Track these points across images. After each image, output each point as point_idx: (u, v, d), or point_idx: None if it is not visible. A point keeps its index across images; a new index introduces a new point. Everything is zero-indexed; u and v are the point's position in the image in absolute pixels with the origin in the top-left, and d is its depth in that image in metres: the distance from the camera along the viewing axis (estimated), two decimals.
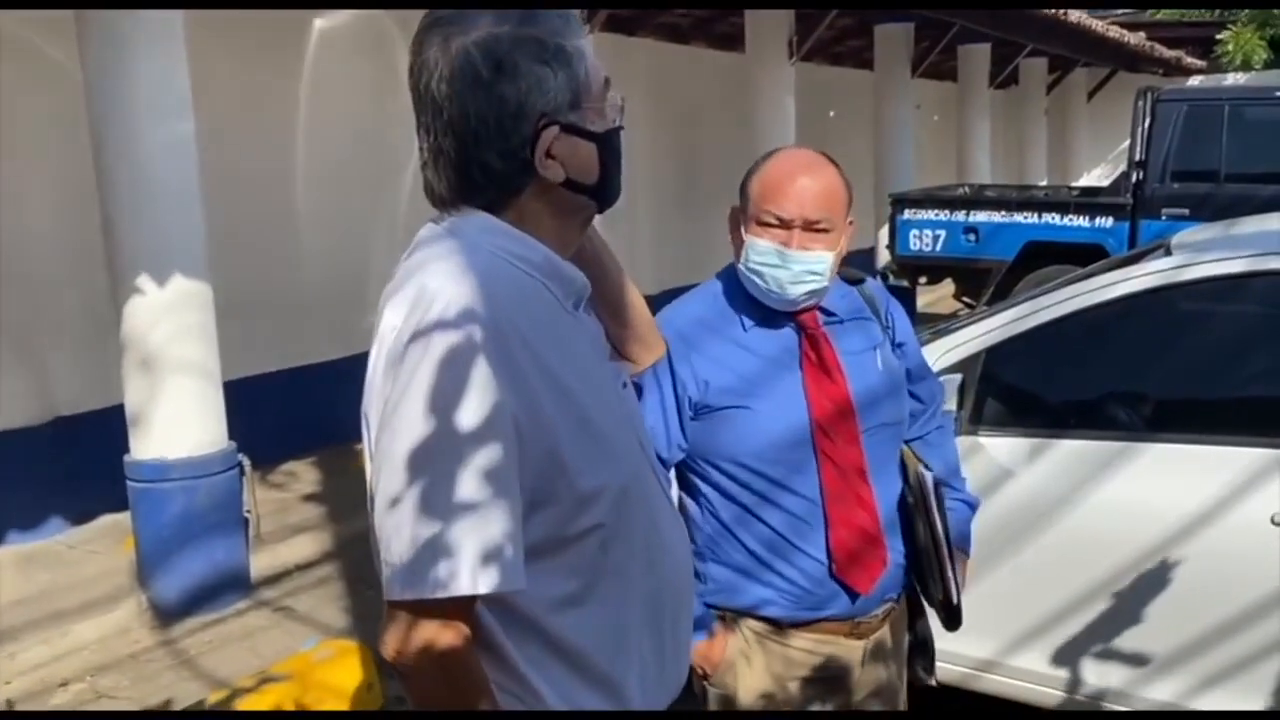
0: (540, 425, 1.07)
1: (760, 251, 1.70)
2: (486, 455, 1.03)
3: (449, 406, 1.03)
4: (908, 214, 8.52)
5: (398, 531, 1.04)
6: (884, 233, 9.15)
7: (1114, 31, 11.98)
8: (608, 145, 1.19)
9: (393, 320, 1.07)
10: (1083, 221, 7.96)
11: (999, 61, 12.59)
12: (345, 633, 3.90)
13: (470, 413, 1.03)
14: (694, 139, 9.55)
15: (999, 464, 2.73)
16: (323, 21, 6.35)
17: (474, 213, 1.15)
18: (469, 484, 1.02)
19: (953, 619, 1.81)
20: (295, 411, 5.81)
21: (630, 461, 1.20)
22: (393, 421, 1.05)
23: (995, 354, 2.80)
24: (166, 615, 4.05)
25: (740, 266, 1.74)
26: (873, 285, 1.92)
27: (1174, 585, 2.53)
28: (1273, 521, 2.42)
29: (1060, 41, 11.40)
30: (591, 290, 1.25)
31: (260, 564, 4.40)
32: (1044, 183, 14.34)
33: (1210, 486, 2.51)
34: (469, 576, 1.02)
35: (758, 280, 1.72)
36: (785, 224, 1.69)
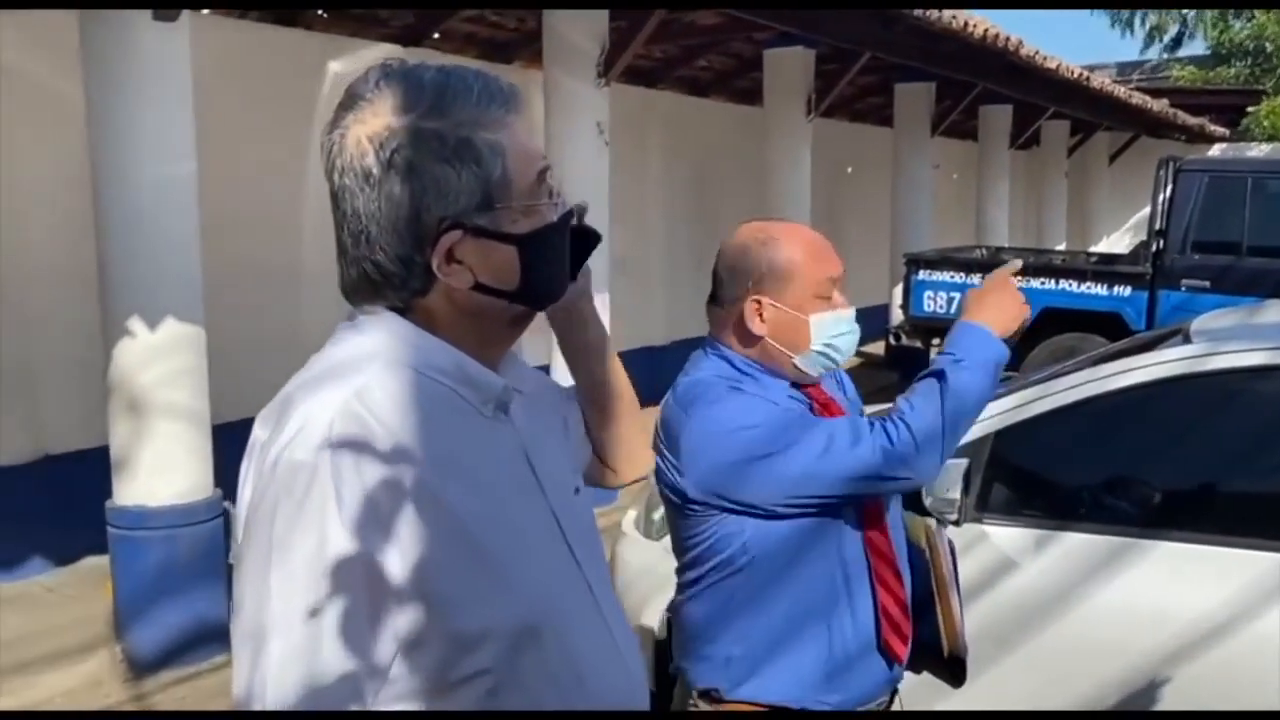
0: (411, 563, 0.95)
1: (841, 323, 1.68)
2: (323, 601, 0.93)
3: (290, 550, 0.93)
4: (923, 274, 8.42)
5: (235, 653, 0.96)
6: (898, 292, 9.05)
7: (1137, 98, 11.94)
8: (534, 246, 1.04)
9: (261, 435, 0.99)
10: (1100, 290, 7.84)
11: (1020, 123, 12.55)
12: None
13: (313, 562, 0.92)
14: (710, 191, 9.52)
15: (1003, 554, 2.61)
16: (338, 65, 6.35)
17: (380, 313, 1.05)
18: (301, 630, 0.92)
19: (958, 674, 1.75)
20: None
21: (541, 595, 1.03)
22: (243, 547, 0.97)
23: (1004, 438, 2.69)
24: (141, 668, 3.93)
25: (814, 350, 1.66)
26: None
27: (1182, 695, 2.39)
28: None
29: (1082, 105, 11.35)
30: (581, 385, 1.17)
31: None
32: (1063, 246, 14.25)
33: (1223, 591, 2.38)
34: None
35: (834, 355, 1.68)
36: (835, 283, 1.67)
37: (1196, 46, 20.16)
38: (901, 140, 10.29)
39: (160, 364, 3.90)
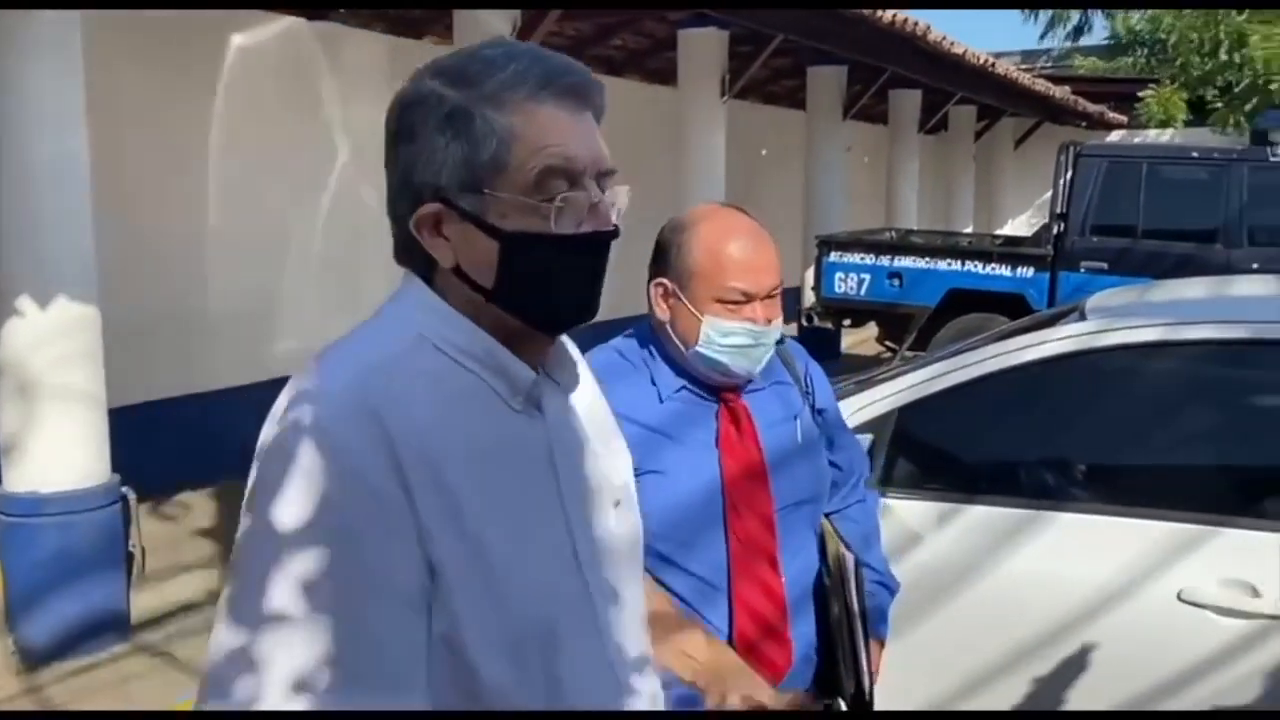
0: (396, 544, 0.91)
1: (729, 333, 1.56)
2: (317, 569, 0.88)
3: (289, 521, 0.88)
4: (834, 256, 8.55)
5: (213, 636, 0.91)
6: (810, 274, 9.17)
7: (1040, 84, 12.26)
8: (518, 249, 0.96)
9: (283, 400, 0.95)
10: (1004, 271, 8.05)
11: (929, 107, 12.80)
12: None
13: (299, 530, 0.88)
14: (624, 171, 9.42)
15: (908, 527, 2.66)
16: (241, 38, 6.16)
17: (415, 284, 1.02)
18: (295, 598, 0.87)
19: (861, 711, 1.70)
20: (195, 439, 5.56)
21: (537, 608, 0.97)
22: (242, 516, 0.93)
23: (907, 414, 2.73)
24: (34, 660, 3.79)
25: (699, 350, 1.59)
26: (792, 346, 1.83)
27: (1081, 661, 2.47)
28: (1179, 599, 2.38)
29: (987, 91, 11.61)
30: None
31: (142, 605, 4.16)
32: (970, 228, 14.60)
33: (1119, 559, 2.46)
34: (279, 696, 0.87)
35: (724, 361, 1.58)
36: (750, 297, 1.57)
37: (1099, 36, 20.76)
38: (814, 123, 10.41)
39: (53, 345, 3.76)
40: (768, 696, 1.50)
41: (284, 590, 0.88)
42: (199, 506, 5.49)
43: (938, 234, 10.92)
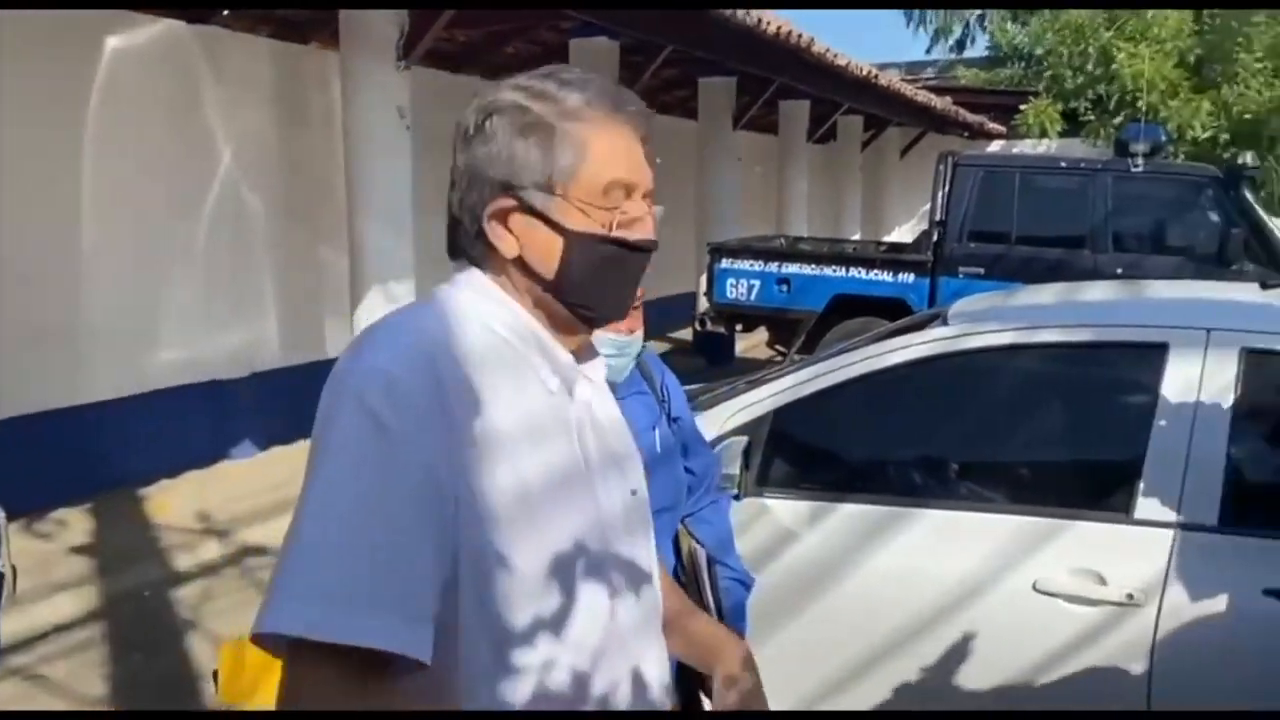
0: (431, 486, 1.00)
1: (604, 344, 1.59)
2: (375, 504, 0.98)
3: (341, 455, 0.99)
4: (725, 263, 8.70)
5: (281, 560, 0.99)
6: (704, 280, 9.30)
7: (921, 96, 12.66)
8: (579, 246, 1.09)
9: (346, 353, 1.07)
10: (887, 276, 8.31)
11: (818, 118, 13.10)
12: (103, 702, 3.58)
13: (366, 466, 0.98)
14: None
15: (783, 526, 2.75)
16: (117, 40, 5.98)
17: (468, 269, 1.14)
18: (363, 528, 0.97)
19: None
20: (70, 454, 5.37)
21: (564, 554, 1.07)
22: (310, 452, 1.04)
23: (782, 416, 2.83)
24: None
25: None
26: (649, 357, 1.88)
27: (945, 651, 2.58)
28: (1034, 589, 2.52)
29: (873, 101, 11.95)
30: None
31: (11, 626, 3.99)
32: (858, 235, 14.97)
33: (978, 553, 2.59)
34: (340, 623, 0.94)
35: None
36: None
37: (981, 49, 21.52)
38: (706, 133, 10.56)
39: None
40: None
41: (338, 495, 0.98)
42: (74, 523, 5.30)
43: (825, 241, 11.19)
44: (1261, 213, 7.92)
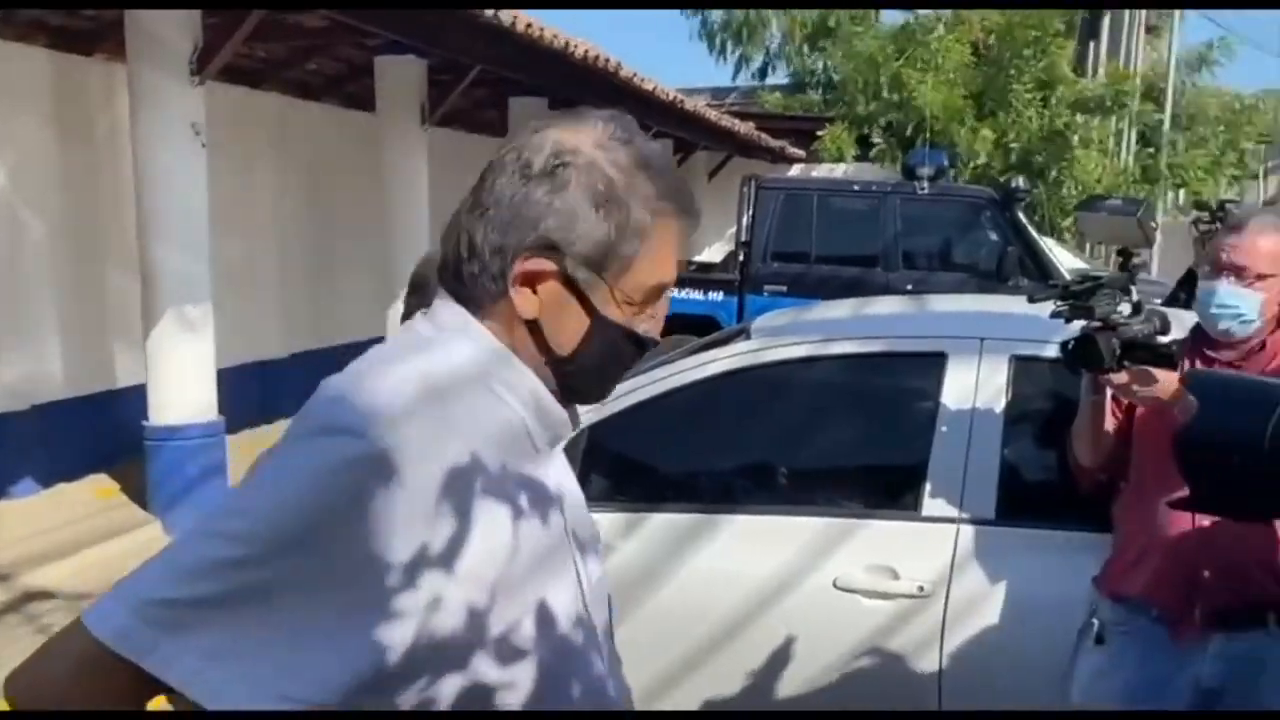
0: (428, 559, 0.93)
1: None
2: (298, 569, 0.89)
3: (297, 507, 0.90)
4: None
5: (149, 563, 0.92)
6: None
7: (725, 121, 13.11)
8: (605, 335, 1.02)
9: (324, 394, 0.97)
10: (698, 295, 8.57)
11: None
12: None
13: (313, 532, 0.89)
14: (325, 198, 9.24)
15: (601, 538, 2.80)
16: None
17: (459, 311, 1.03)
18: (276, 598, 0.89)
19: None
20: None
21: (557, 636, 1.02)
22: (256, 476, 0.95)
23: (598, 430, 2.88)
24: None
25: None
26: None
27: (755, 650, 2.70)
28: (834, 586, 2.66)
29: (681, 126, 12.27)
30: None
31: None
32: None
33: (785, 553, 2.71)
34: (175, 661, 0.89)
35: None
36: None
37: (782, 75, 22.46)
38: None
39: None
40: None
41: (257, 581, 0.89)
42: None
43: None
44: (1033, 232, 8.62)
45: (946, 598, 2.59)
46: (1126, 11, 18.30)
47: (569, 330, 1.03)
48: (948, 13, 16.14)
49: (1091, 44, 17.57)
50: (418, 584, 0.91)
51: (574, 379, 1.05)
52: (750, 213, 8.55)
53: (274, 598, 0.89)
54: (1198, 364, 2.36)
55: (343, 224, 9.27)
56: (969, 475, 2.67)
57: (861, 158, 15.72)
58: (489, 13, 5.98)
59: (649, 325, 1.06)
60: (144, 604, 0.89)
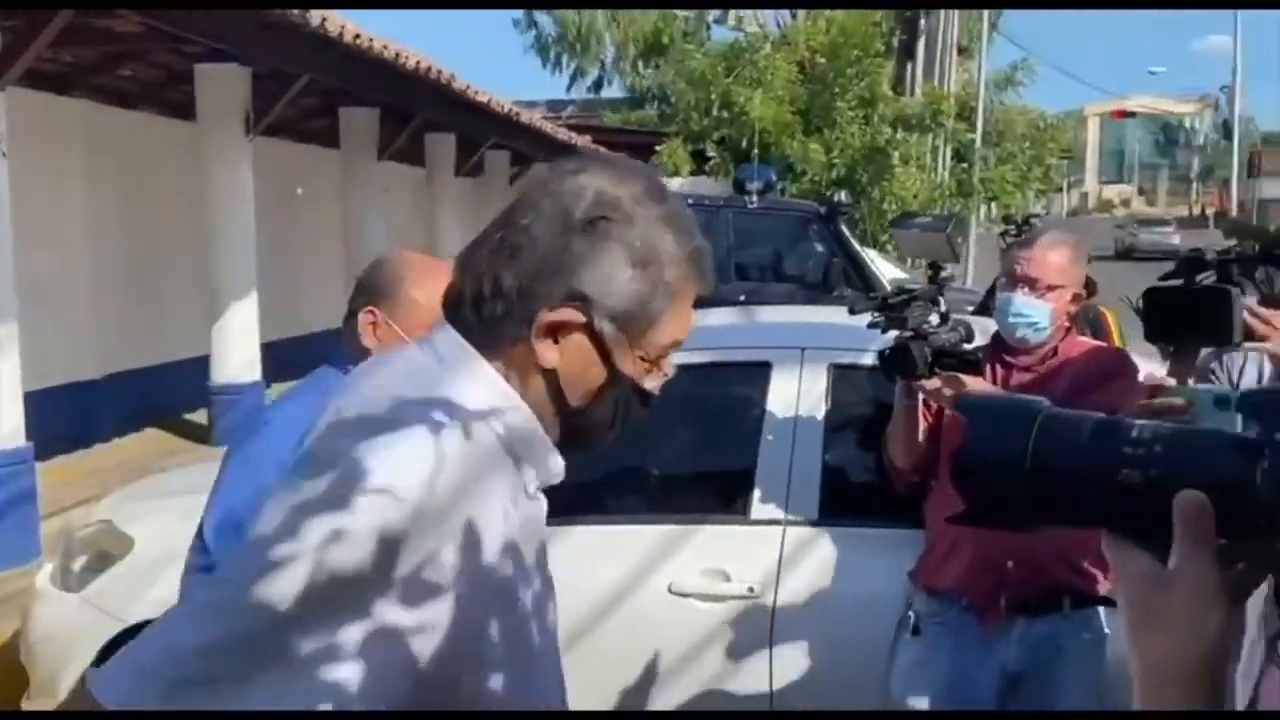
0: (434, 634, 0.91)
1: None
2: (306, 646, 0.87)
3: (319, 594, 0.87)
4: None
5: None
6: None
7: (562, 133, 13.20)
8: (619, 391, 1.03)
9: (349, 450, 0.93)
10: None
11: (466, 150, 13.24)
12: None
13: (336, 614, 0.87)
14: (143, 210, 8.80)
15: None
16: None
17: (469, 353, 1.01)
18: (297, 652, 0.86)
19: None
20: None
21: (551, 682, 1.06)
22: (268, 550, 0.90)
23: None
24: None
25: None
26: None
27: (598, 657, 2.73)
28: (669, 590, 2.72)
29: (517, 138, 12.29)
30: None
31: None
32: None
33: (621, 564, 2.76)
34: None
35: None
36: None
37: (619, 90, 22.77)
38: (350, 163, 10.35)
39: None
40: None
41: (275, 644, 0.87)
42: None
43: None
44: (856, 245, 9.02)
45: (775, 597, 2.69)
46: (940, 33, 19.39)
47: (586, 382, 1.02)
48: (775, 31, 16.74)
49: (909, 64, 18.54)
50: (460, 636, 0.92)
51: (581, 431, 1.05)
52: None
53: (305, 656, 0.87)
54: (998, 368, 2.54)
55: (162, 237, 8.85)
56: (793, 478, 2.78)
57: (698, 172, 16.09)
58: (314, 22, 5.85)
59: (656, 381, 1.07)
60: (178, 682, 0.87)
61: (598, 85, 22.59)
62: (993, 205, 19.65)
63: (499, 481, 0.99)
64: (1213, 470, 0.68)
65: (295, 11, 5.63)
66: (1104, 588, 2.45)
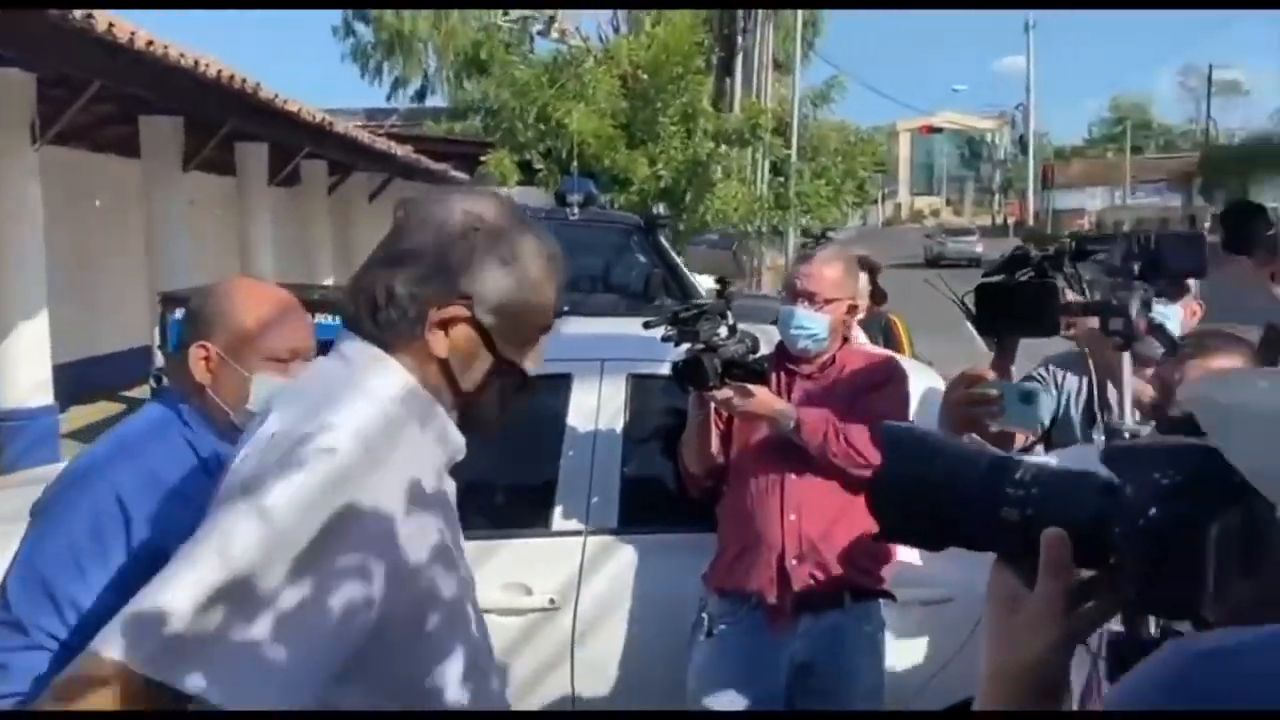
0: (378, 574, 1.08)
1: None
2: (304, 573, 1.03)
3: (299, 525, 1.03)
4: (179, 314, 8.16)
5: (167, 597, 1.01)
6: (157, 333, 8.65)
7: (380, 143, 12.95)
8: (504, 374, 1.24)
9: (282, 426, 1.11)
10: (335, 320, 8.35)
11: (281, 159, 12.81)
12: None
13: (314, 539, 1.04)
14: None
15: None
16: None
17: (387, 359, 1.19)
18: (267, 603, 1.01)
19: None
20: None
21: (472, 635, 1.23)
22: (244, 501, 1.05)
23: None
24: None
25: (251, 409, 1.64)
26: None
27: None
28: (551, 604, 2.72)
29: (332, 147, 11.98)
30: None
31: None
32: (331, 280, 14.84)
33: (493, 576, 2.72)
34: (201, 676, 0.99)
35: None
36: (296, 354, 1.71)
37: (442, 99, 22.49)
38: (151, 173, 9.86)
39: None
40: None
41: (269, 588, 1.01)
42: None
43: (297, 287, 10.96)
44: (675, 256, 9.20)
45: (576, 607, 2.73)
46: (756, 49, 20.03)
47: (474, 368, 1.22)
48: (598, 45, 16.90)
49: (728, 80, 19.06)
50: (400, 574, 1.10)
51: (475, 410, 1.25)
52: None
53: (281, 600, 1.01)
54: (783, 376, 2.66)
55: None
56: (594, 488, 2.83)
57: (526, 182, 16.06)
58: (102, 27, 5.55)
59: (534, 363, 1.28)
60: (168, 630, 0.99)
61: (421, 95, 22.30)
62: (807, 218, 20.40)
63: (424, 449, 1.19)
64: (1077, 511, 0.79)
65: (78, 14, 5.32)
66: (882, 582, 2.61)
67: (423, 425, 1.19)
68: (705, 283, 9.35)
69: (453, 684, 1.18)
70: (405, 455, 1.14)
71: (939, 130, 67.96)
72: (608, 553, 2.79)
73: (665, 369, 2.70)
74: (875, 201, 57.26)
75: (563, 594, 2.74)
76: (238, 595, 1.00)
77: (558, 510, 2.82)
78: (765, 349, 2.67)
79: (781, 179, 18.53)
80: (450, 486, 1.27)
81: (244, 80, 7.77)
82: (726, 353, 2.52)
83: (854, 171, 19.86)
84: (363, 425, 1.11)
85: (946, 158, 76.86)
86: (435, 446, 1.22)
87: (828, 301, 2.61)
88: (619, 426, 2.89)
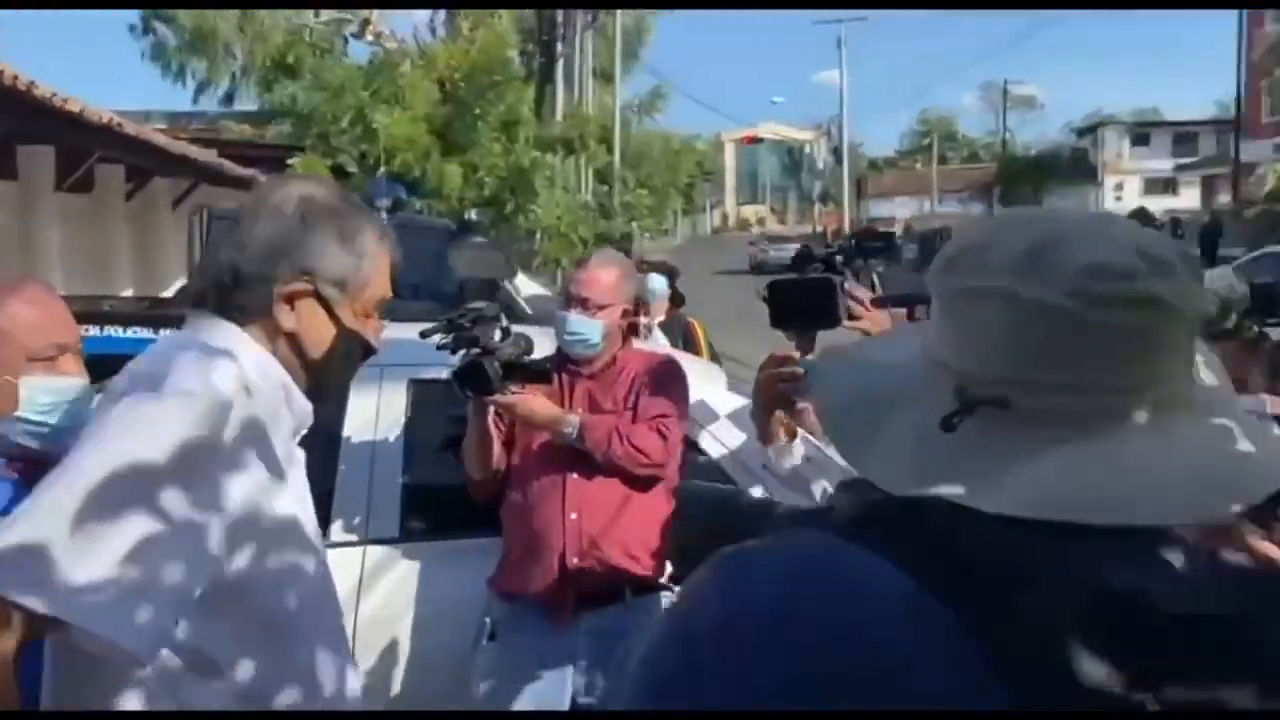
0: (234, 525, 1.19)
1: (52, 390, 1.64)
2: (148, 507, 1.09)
3: (147, 462, 1.10)
4: None
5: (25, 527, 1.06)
6: None
7: (179, 147, 12.34)
8: (347, 342, 1.35)
9: (132, 384, 1.19)
10: (149, 333, 7.92)
11: (70, 164, 12.00)
12: None
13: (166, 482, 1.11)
14: None
15: None
16: None
17: (223, 324, 1.29)
18: (125, 527, 1.07)
19: None
20: None
21: (317, 587, 1.36)
22: (95, 447, 1.12)
23: None
24: None
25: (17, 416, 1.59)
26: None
27: None
28: None
29: (128, 150, 11.32)
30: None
31: None
32: (130, 290, 14.02)
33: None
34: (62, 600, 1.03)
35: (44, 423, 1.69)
36: (64, 349, 1.65)
37: (250, 103, 21.61)
38: None
39: None
40: None
41: (122, 520, 1.07)
42: None
43: (84, 299, 10.29)
44: None
45: (355, 619, 2.65)
46: (578, 58, 20.17)
47: (320, 339, 1.33)
48: (415, 50, 16.63)
49: (549, 88, 19.10)
50: (254, 514, 1.20)
51: (327, 375, 1.36)
52: (204, 244, 8.09)
53: (136, 525, 1.07)
54: (565, 377, 2.67)
55: None
56: (373, 498, 2.75)
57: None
58: None
59: (374, 334, 1.41)
60: (30, 551, 1.03)
61: (229, 98, 21.34)
62: (634, 225, 20.64)
63: (275, 414, 1.29)
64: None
65: None
66: (664, 575, 2.64)
67: (273, 392, 1.29)
68: (529, 289, 9.32)
69: (324, 624, 1.36)
70: (258, 417, 1.23)
71: (761, 140, 70.01)
72: (389, 562, 2.72)
73: (448, 373, 2.66)
74: (704, 210, 58.45)
75: (345, 606, 2.64)
76: (87, 516, 1.06)
77: (335, 522, 2.73)
78: (549, 349, 2.67)
79: (606, 187, 18.71)
80: (299, 455, 1.36)
81: (15, 77, 7.24)
82: (504, 355, 2.50)
83: (678, 179, 20.27)
84: (218, 383, 1.19)
85: (769, 168, 79.26)
86: (285, 411, 1.32)
87: (601, 307, 2.63)
88: (399, 433, 2.83)
